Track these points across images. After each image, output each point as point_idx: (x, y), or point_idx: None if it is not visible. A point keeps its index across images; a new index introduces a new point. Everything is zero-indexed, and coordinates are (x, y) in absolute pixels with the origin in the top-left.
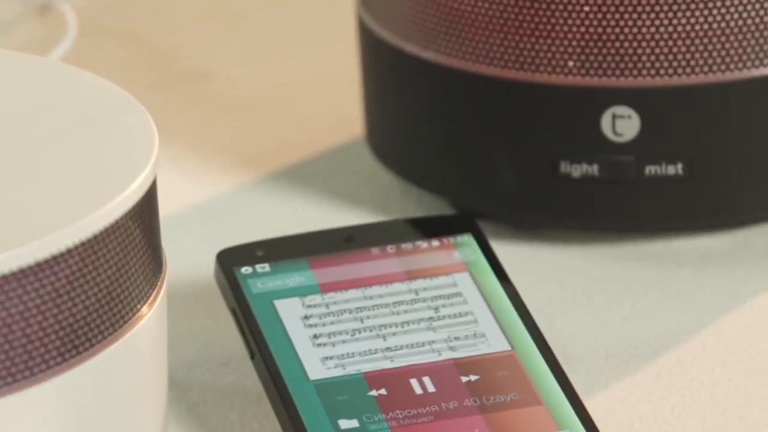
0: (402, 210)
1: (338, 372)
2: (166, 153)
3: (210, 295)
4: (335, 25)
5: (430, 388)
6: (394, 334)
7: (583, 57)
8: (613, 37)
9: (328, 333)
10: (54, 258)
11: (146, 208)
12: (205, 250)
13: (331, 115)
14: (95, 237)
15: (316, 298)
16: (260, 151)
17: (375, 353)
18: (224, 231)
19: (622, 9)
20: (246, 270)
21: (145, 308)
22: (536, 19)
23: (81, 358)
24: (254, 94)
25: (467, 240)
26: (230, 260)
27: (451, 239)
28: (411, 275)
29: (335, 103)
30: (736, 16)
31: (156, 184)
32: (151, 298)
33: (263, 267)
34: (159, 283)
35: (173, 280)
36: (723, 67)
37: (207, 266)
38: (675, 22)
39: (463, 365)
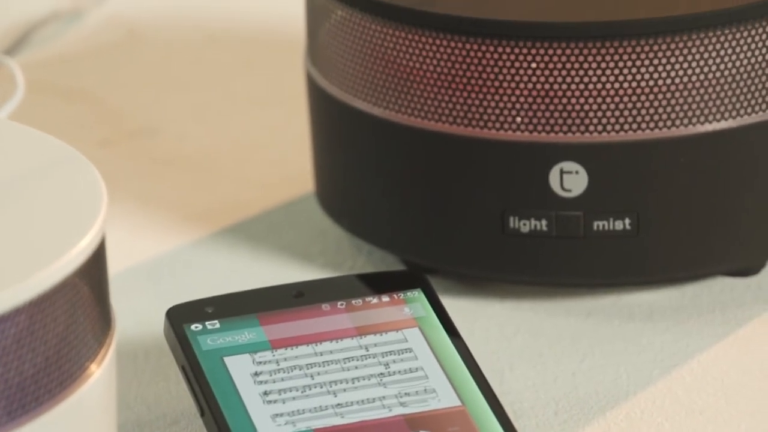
0: (352, 266)
1: (288, 429)
2: (115, 210)
3: (160, 352)
4: (285, 82)
5: None
6: (344, 390)
7: (530, 113)
8: (560, 93)
9: (279, 390)
10: (1, 316)
11: (95, 266)
12: (154, 307)
13: (281, 172)
14: (43, 295)
15: (267, 355)
16: (210, 208)
17: (325, 410)
18: (174, 288)
19: (569, 66)
20: (196, 327)
21: (93, 366)
22: (484, 75)
23: (29, 417)
24: (204, 151)
25: (417, 296)
26: (180, 317)
27: (401, 295)
28: (361, 331)
29: (285, 160)
30: (681, 73)
31: (104, 241)
32: (100, 356)
33: (213, 324)
34: (108, 340)
35: (123, 337)
36: (669, 123)
37: (156, 323)
38: (621, 78)
39: (413, 421)
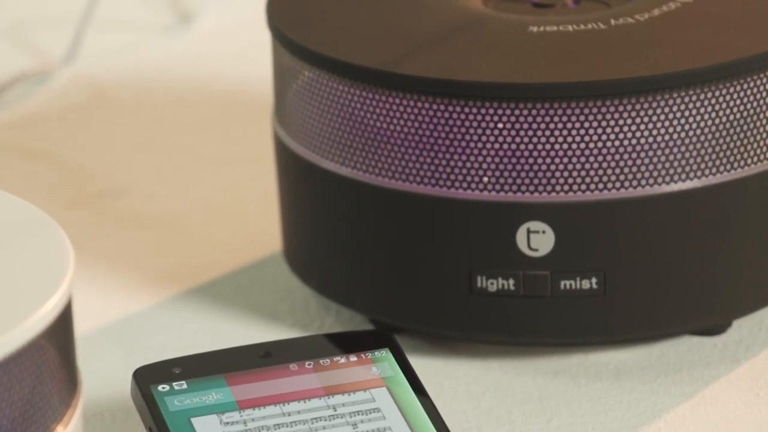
0: (320, 325)
1: None
2: (82, 271)
3: (127, 414)
4: (252, 143)
5: None
6: None
7: (497, 173)
8: (527, 153)
9: None
10: None
11: (61, 327)
12: (121, 368)
13: (249, 231)
14: (9, 357)
15: (234, 415)
16: (177, 268)
17: None
18: (141, 349)
19: (534, 126)
20: (163, 388)
21: (60, 428)
22: (451, 135)
23: None
24: (171, 211)
25: (385, 355)
26: (147, 378)
27: (369, 354)
28: (329, 391)
29: (253, 219)
30: (646, 133)
31: (71, 302)
32: (66, 418)
33: (180, 384)
34: (74, 402)
35: (89, 399)
36: (635, 183)
37: (124, 384)
38: (587, 139)
39: None
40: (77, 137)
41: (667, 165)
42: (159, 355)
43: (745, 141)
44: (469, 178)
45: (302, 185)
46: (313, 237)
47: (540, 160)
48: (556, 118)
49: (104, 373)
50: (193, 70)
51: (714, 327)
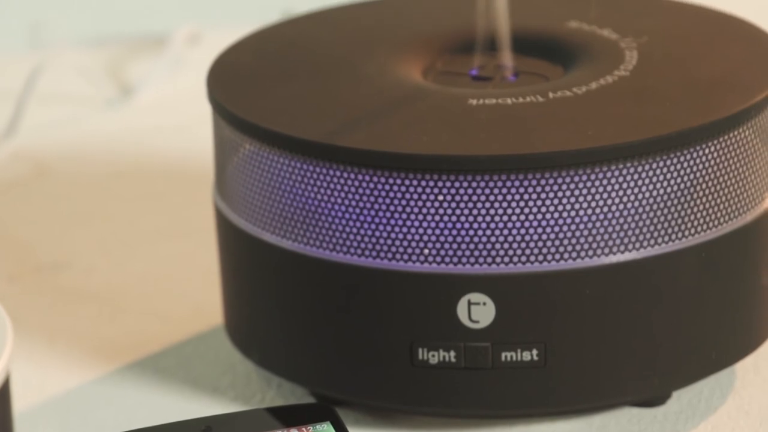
0: (262, 399)
1: None
2: (22, 345)
3: None
4: (193, 215)
5: None
6: None
7: (438, 245)
8: (467, 225)
9: None
10: None
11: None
12: None
13: (190, 305)
14: None
15: None
16: (118, 342)
17: None
18: (81, 424)
19: (474, 198)
20: None
21: None
22: (392, 208)
23: None
24: (111, 285)
25: (326, 428)
26: None
27: (311, 428)
28: None
29: (194, 293)
30: (585, 205)
31: (9, 378)
32: None
33: None
34: None
35: None
36: (574, 255)
37: None
38: (526, 211)
39: None
40: (18, 210)
41: (606, 237)
42: (100, 430)
43: (683, 213)
44: (410, 250)
45: (243, 258)
46: (254, 310)
47: (480, 232)
48: (495, 190)
49: None
50: (134, 142)
51: (654, 398)
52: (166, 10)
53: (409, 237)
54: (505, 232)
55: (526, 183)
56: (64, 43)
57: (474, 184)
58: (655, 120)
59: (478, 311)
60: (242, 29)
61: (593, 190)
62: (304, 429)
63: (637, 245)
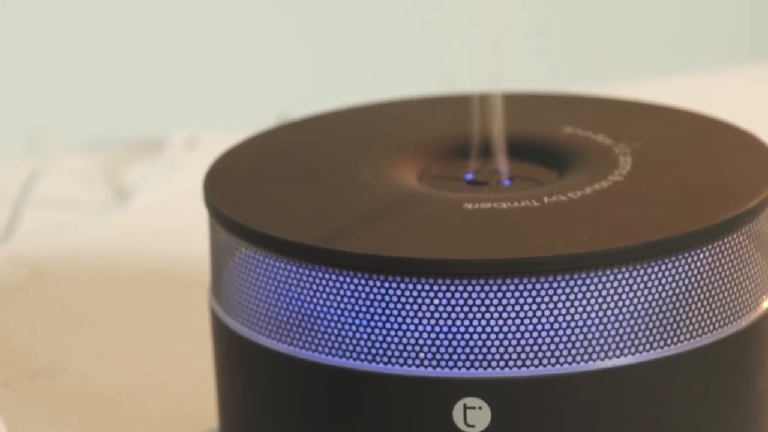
0: None
1: None
2: None
3: None
4: (188, 319)
5: None
6: None
7: (434, 349)
8: (462, 329)
9: None
10: None
11: None
12: None
13: (185, 408)
14: None
15: None
16: None
17: None
18: None
19: (470, 302)
20: None
21: None
22: (387, 312)
23: None
24: (107, 390)
25: None
26: None
27: None
28: None
29: (189, 396)
30: (580, 310)
31: None
32: None
33: None
34: None
35: None
36: (570, 359)
37: None
38: (522, 315)
39: None
40: (13, 316)
41: (602, 341)
42: None
43: (678, 318)
44: (405, 354)
45: (239, 362)
46: (250, 413)
47: (476, 336)
48: (491, 294)
49: None
50: (129, 246)
51: None
52: (163, 115)
53: (405, 341)
54: (501, 335)
55: (521, 287)
56: (62, 147)
57: (470, 288)
58: (650, 225)
59: (473, 415)
60: (239, 134)
61: (588, 295)
62: None
63: (633, 350)
